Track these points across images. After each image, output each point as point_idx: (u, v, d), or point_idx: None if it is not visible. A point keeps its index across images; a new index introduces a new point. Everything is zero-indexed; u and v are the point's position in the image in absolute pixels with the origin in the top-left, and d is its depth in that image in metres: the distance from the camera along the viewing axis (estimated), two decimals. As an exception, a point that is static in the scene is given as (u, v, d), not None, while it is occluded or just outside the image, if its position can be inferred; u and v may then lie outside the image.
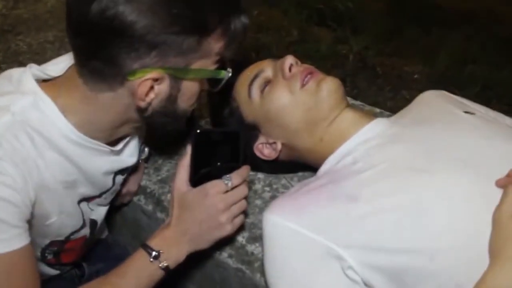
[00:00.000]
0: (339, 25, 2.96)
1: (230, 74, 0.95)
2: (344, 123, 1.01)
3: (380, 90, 2.53)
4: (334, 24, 2.98)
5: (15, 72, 0.93)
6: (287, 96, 1.01)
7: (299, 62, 1.05)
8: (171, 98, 0.89)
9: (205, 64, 0.88)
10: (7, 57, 1.81)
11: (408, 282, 0.78)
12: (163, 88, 0.87)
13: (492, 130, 0.93)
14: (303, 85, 1.00)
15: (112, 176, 1.06)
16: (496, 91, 2.46)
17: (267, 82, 1.05)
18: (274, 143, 1.07)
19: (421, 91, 1.16)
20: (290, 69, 1.02)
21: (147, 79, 0.83)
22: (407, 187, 0.82)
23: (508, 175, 0.77)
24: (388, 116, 1.30)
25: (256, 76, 1.06)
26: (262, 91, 1.05)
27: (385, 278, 0.80)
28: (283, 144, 1.06)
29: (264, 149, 1.09)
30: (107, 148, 0.97)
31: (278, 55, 1.11)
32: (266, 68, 1.06)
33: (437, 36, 2.91)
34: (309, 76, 1.00)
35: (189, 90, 0.91)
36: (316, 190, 0.92)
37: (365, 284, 0.83)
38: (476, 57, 2.78)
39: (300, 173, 1.18)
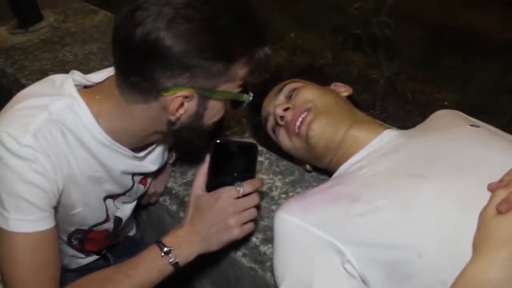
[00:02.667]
0: (374, 50, 3.00)
1: (251, 98, 1.05)
2: (350, 143, 1.09)
3: (408, 114, 2.55)
4: (369, 50, 3.02)
5: (58, 77, 1.04)
6: (288, 142, 1.17)
7: (291, 106, 1.13)
8: (198, 114, 0.99)
9: (230, 87, 0.98)
10: (54, 66, 1.95)
11: (400, 278, 0.83)
12: (191, 105, 0.96)
13: (493, 141, 0.97)
14: (295, 134, 1.13)
15: (130, 176, 1.14)
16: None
17: (275, 125, 1.19)
18: None
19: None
20: (282, 119, 1.14)
21: (179, 96, 0.93)
22: (403, 189, 0.88)
23: (500, 180, 0.82)
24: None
25: (266, 120, 1.21)
26: (274, 132, 1.21)
27: (380, 273, 0.85)
28: None
29: None
30: (131, 153, 1.06)
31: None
32: (272, 110, 1.18)
33: (474, 65, 2.90)
34: (298, 123, 1.11)
35: (214, 108, 1.01)
36: (323, 191, 1.00)
37: (362, 279, 0.89)
38: (511, 88, 2.76)
39: (315, 184, 1.25)
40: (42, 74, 1.87)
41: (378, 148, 1.04)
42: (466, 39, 3.14)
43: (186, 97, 0.94)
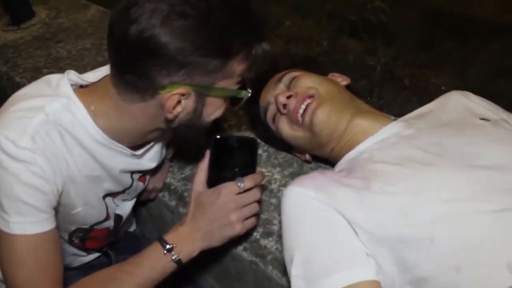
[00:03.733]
0: (370, 36, 2.97)
1: (249, 95, 1.03)
2: (355, 131, 1.08)
3: (406, 101, 2.54)
4: (366, 36, 3.00)
5: (53, 77, 1.03)
6: (289, 130, 1.15)
7: (293, 94, 1.12)
8: (197, 112, 0.98)
9: (228, 84, 0.97)
10: (48, 62, 1.94)
11: (411, 263, 0.82)
12: (189, 102, 0.95)
13: (502, 136, 0.98)
14: (298, 123, 1.11)
15: (129, 174, 1.14)
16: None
17: (275, 114, 1.17)
18: None
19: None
20: (285, 107, 1.12)
21: (175, 94, 0.92)
22: (415, 176, 0.88)
23: None
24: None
25: (266, 109, 1.19)
26: (273, 121, 1.19)
27: (391, 258, 0.85)
28: None
29: None
30: (129, 151, 1.06)
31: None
32: (272, 99, 1.17)
33: (471, 49, 2.87)
34: (301, 111, 1.10)
35: (213, 106, 0.99)
36: (332, 175, 0.99)
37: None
38: (508, 71, 2.74)
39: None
40: (36, 71, 1.86)
41: (387, 137, 1.03)
42: (463, 23, 3.12)
43: (183, 94, 0.92)
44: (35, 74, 1.81)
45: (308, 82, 1.14)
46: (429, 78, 2.72)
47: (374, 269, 0.86)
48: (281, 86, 1.18)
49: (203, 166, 1.03)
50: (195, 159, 1.34)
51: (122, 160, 1.07)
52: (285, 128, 1.16)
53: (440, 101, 1.16)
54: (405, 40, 2.96)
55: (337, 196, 0.92)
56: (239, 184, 1.00)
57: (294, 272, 0.90)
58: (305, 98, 1.10)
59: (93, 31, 2.15)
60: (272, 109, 1.18)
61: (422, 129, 1.04)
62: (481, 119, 1.04)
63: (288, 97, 1.11)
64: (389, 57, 2.78)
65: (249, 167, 1.03)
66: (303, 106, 1.10)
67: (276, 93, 1.16)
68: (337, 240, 0.89)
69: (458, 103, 1.11)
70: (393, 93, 2.59)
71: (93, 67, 1.74)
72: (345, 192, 0.92)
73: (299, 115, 1.10)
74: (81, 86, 1.04)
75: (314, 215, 0.92)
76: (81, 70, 1.08)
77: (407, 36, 3.01)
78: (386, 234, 0.85)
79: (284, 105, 1.12)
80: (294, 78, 1.16)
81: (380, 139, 1.04)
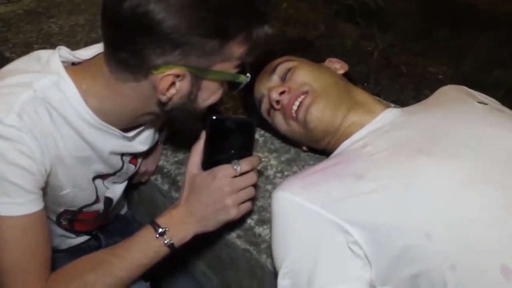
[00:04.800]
0: (367, 22, 2.94)
1: (248, 79, 0.99)
2: (350, 123, 1.06)
3: (402, 88, 2.52)
4: (362, 21, 2.96)
5: (43, 53, 0.98)
6: (285, 125, 1.13)
7: (286, 89, 1.08)
8: (191, 95, 0.93)
9: (226, 67, 0.92)
10: (39, 38, 1.88)
11: (407, 260, 0.81)
12: (184, 85, 0.91)
13: (502, 119, 0.95)
14: (293, 118, 1.08)
15: (119, 156, 1.10)
16: (521, 96, 2.42)
17: (270, 108, 1.14)
18: None
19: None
20: (278, 103, 1.09)
21: (169, 75, 0.87)
22: (410, 168, 0.86)
23: None
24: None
25: (260, 102, 1.16)
26: (269, 114, 1.16)
27: (387, 254, 0.83)
28: None
29: None
30: (119, 133, 1.02)
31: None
32: (266, 92, 1.14)
33: (467, 38, 2.85)
34: (295, 107, 1.07)
35: (209, 89, 0.95)
36: (324, 169, 0.96)
37: (367, 260, 0.86)
38: (505, 61, 2.73)
39: (311, 162, 1.22)
40: (26, 47, 1.80)
41: (382, 126, 1.00)
42: (460, 11, 3.10)
43: (177, 76, 0.88)
44: (26, 49, 1.76)
45: (303, 76, 1.10)
46: (426, 66, 2.71)
47: (363, 284, 0.85)
48: (275, 77, 1.14)
49: (198, 147, 1.00)
50: (189, 143, 1.30)
51: (112, 142, 1.03)
52: (280, 123, 1.13)
53: (437, 93, 1.14)
54: (402, 27, 2.95)
55: (327, 193, 0.90)
56: (235, 167, 0.97)
57: (281, 282, 0.90)
58: (299, 95, 1.07)
59: (86, 6, 2.09)
60: (266, 102, 1.15)
61: (418, 113, 1.02)
62: (479, 102, 1.02)
63: (281, 93, 1.08)
64: (387, 43, 2.76)
65: (245, 150, 0.99)
66: (296, 103, 1.07)
67: (270, 86, 1.13)
68: (326, 255, 0.87)
69: (456, 93, 1.09)
70: (390, 80, 2.58)
71: (86, 44, 1.69)
72: (336, 188, 0.89)
73: (293, 111, 1.08)
74: (73, 64, 1.00)
75: (303, 227, 0.90)
76: (74, 46, 1.03)
77: (404, 23, 3.00)
78: (380, 229, 0.83)
79: (277, 101, 1.09)
80: (289, 69, 1.13)
81: (375, 128, 1.01)
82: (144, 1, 0.81)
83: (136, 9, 0.81)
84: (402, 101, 2.45)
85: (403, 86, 2.54)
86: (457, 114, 0.96)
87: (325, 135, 1.08)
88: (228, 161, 0.98)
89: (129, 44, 0.86)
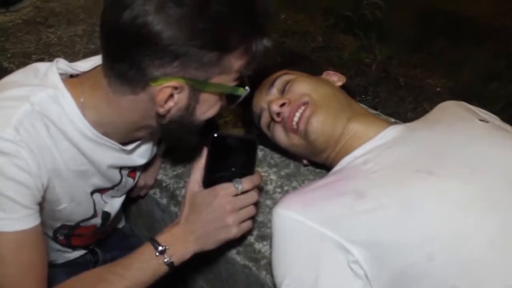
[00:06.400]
0: (366, 33, 2.94)
1: (247, 92, 0.98)
2: (350, 136, 1.05)
3: (401, 101, 2.52)
4: (361, 33, 2.96)
5: (41, 66, 0.98)
6: (285, 138, 1.12)
7: (287, 101, 1.08)
8: (189, 108, 0.92)
9: (225, 80, 0.91)
10: (38, 48, 1.87)
11: (408, 280, 0.80)
12: (182, 97, 0.90)
13: (503, 138, 0.95)
14: (294, 130, 1.07)
15: (117, 170, 1.09)
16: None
17: (270, 121, 1.13)
18: None
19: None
20: (278, 115, 1.08)
21: (167, 87, 0.87)
22: (411, 187, 0.85)
23: None
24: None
25: (260, 116, 1.15)
26: (268, 128, 1.15)
27: (387, 274, 0.82)
28: None
29: None
30: (118, 146, 1.01)
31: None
32: (265, 106, 1.13)
33: (465, 50, 2.86)
34: (296, 119, 1.06)
35: (207, 102, 0.94)
36: (325, 186, 0.95)
37: (368, 279, 0.85)
38: (502, 74, 2.73)
39: (311, 177, 1.21)
40: (25, 57, 1.79)
41: (384, 143, 1.00)
42: (458, 24, 3.11)
43: (175, 88, 0.87)
44: (24, 59, 1.75)
45: (301, 87, 1.10)
46: (424, 79, 2.71)
47: None
48: (274, 91, 1.14)
49: (199, 164, 0.99)
50: (188, 156, 1.31)
51: (110, 155, 1.02)
52: (281, 136, 1.12)
53: (438, 109, 1.13)
54: (401, 39, 2.95)
55: (328, 211, 0.89)
56: (236, 185, 0.96)
57: None
58: (299, 106, 1.06)
59: (85, 17, 2.08)
60: (266, 116, 1.14)
61: (420, 131, 1.01)
62: (480, 120, 1.02)
63: (282, 105, 1.08)
64: (385, 55, 2.76)
65: (247, 168, 0.99)
66: (297, 114, 1.06)
67: (269, 99, 1.12)
68: (326, 274, 0.87)
69: (456, 110, 1.09)
70: (388, 92, 2.57)
71: (84, 55, 1.69)
72: (336, 206, 0.89)
73: (294, 123, 1.07)
74: (71, 76, 0.99)
75: (304, 245, 0.90)
76: (72, 57, 1.03)
77: (402, 36, 3.00)
78: (381, 247, 0.83)
79: (278, 114, 1.08)
80: (287, 82, 1.12)
81: (378, 144, 1.01)
82: (143, 12, 0.80)
83: (135, 20, 0.81)
84: (400, 114, 2.46)
85: (401, 98, 2.54)
86: (458, 133, 0.95)
87: (326, 147, 1.07)
88: (229, 178, 0.97)
89: (127, 56, 0.85)
